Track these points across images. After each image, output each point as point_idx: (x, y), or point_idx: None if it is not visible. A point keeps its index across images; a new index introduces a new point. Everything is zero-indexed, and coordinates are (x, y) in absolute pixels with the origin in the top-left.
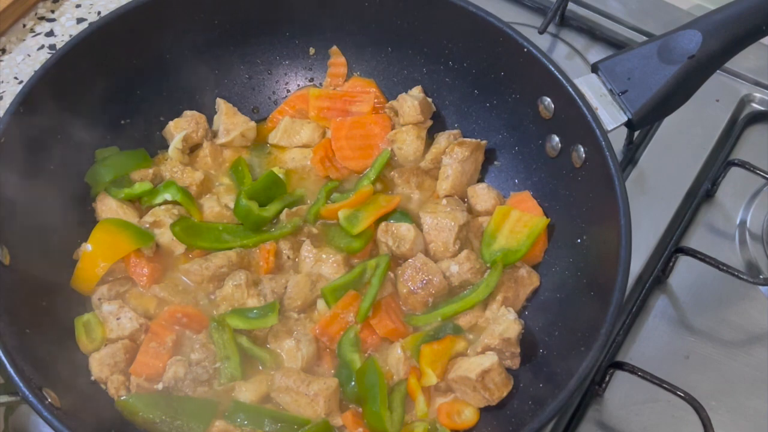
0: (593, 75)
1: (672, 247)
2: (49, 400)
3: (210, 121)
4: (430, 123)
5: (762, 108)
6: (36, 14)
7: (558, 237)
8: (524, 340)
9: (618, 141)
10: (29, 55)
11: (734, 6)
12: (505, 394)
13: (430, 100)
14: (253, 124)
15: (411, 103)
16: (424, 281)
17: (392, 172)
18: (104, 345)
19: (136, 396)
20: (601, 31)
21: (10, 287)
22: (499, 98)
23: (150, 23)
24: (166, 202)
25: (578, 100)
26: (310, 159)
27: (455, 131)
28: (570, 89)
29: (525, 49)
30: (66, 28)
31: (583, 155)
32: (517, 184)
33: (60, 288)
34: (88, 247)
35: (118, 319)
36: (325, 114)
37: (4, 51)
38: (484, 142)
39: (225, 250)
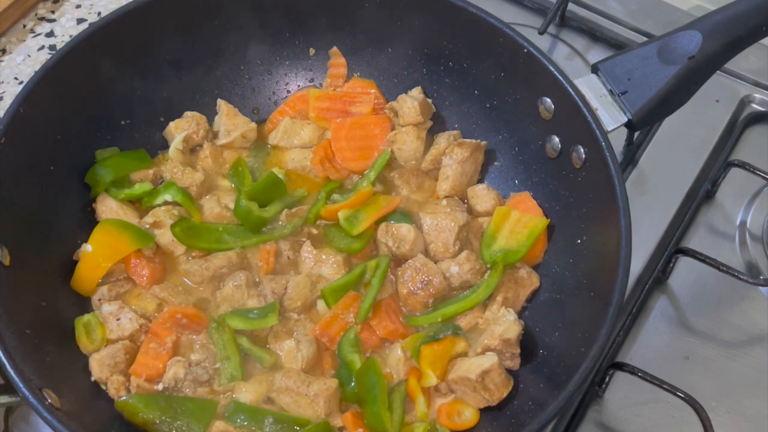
0: (593, 75)
1: (672, 247)
2: (49, 400)
3: (210, 121)
4: (430, 124)
5: (762, 109)
6: (36, 15)
7: (558, 237)
8: (524, 341)
9: (618, 141)
10: (29, 56)
11: (734, 6)
12: (505, 394)
13: (430, 100)
14: (253, 125)
15: (411, 103)
16: (424, 282)
17: (392, 173)
18: (104, 346)
19: (136, 396)
20: (601, 32)
21: (10, 287)
22: (499, 99)
23: (150, 24)
24: (166, 203)
25: (578, 100)
26: (310, 160)
27: (455, 132)
28: (570, 90)
29: (525, 50)
30: (66, 28)
31: (583, 156)
32: (517, 185)
33: (60, 288)
34: (88, 247)
35: (118, 319)
36: (325, 115)
37: (4, 51)
38: (483, 142)
39: (225, 250)
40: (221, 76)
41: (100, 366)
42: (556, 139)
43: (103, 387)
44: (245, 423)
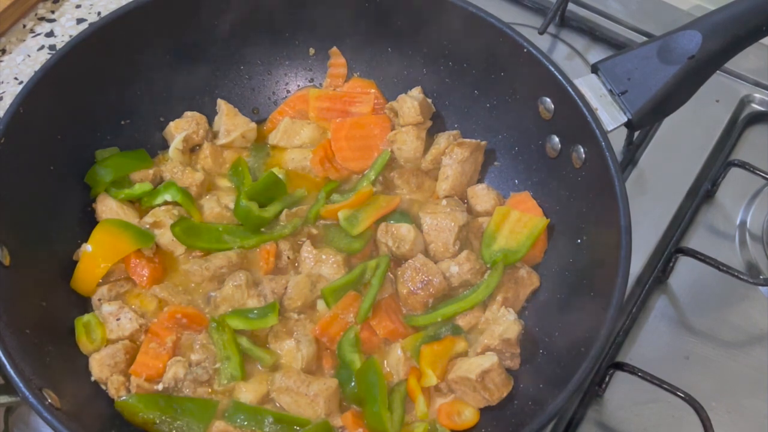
0: (593, 75)
1: (672, 247)
2: (49, 400)
3: (210, 121)
4: (429, 123)
5: (762, 108)
6: (36, 15)
7: (558, 237)
8: (524, 341)
9: (618, 141)
10: (29, 56)
11: (734, 6)
12: (505, 394)
13: (429, 100)
14: (253, 125)
15: (411, 103)
16: (424, 282)
17: (392, 173)
18: (104, 346)
19: (136, 396)
20: (601, 32)
21: (10, 287)
22: (499, 98)
23: (150, 24)
24: (166, 203)
25: (578, 100)
26: (309, 160)
27: (455, 132)
28: (570, 90)
29: (525, 50)
30: (66, 28)
31: (583, 156)
32: (517, 185)
33: (60, 288)
34: (88, 247)
35: (118, 319)
36: (325, 115)
37: (4, 51)
38: (483, 142)
39: (225, 250)
40: (221, 76)
41: (100, 366)
42: (556, 139)
43: (103, 387)
44: (245, 423)
